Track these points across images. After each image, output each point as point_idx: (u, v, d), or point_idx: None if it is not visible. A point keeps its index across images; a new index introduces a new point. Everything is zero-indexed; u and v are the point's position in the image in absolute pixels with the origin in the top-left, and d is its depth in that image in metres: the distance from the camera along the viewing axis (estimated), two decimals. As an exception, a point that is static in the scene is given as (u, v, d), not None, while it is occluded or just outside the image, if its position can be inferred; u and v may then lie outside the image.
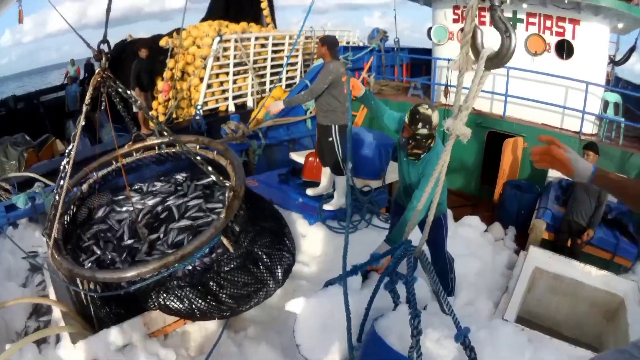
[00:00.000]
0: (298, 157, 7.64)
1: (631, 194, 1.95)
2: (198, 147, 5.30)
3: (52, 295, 5.10)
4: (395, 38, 13.99)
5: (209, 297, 4.16)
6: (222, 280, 4.23)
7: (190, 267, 4.12)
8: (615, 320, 5.46)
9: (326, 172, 6.60)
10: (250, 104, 11.88)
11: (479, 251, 6.34)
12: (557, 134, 9.27)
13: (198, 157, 4.50)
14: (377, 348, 2.73)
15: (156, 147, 5.47)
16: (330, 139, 6.16)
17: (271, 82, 12.32)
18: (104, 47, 4.08)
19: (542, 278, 5.77)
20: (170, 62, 11.09)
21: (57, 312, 4.81)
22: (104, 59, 4.11)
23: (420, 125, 3.88)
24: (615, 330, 5.37)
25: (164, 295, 4.14)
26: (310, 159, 7.02)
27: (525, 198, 8.25)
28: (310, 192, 6.74)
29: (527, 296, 5.51)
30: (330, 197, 6.50)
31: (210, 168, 4.41)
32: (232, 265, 4.31)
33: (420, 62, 14.53)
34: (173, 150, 5.49)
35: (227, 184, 4.39)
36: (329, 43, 6.01)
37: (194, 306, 4.12)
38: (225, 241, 4.23)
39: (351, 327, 3.11)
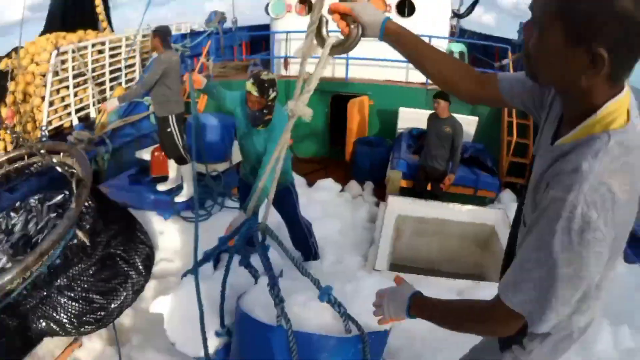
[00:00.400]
0: (144, 154, 7.24)
1: (414, 48, 1.85)
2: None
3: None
4: (232, 18, 13.78)
5: (78, 300, 3.98)
6: (85, 282, 4.04)
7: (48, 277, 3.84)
8: (490, 247, 5.75)
9: (172, 164, 6.40)
10: (92, 114, 11.14)
11: (338, 211, 6.38)
12: (403, 88, 9.56)
13: (42, 152, 4.48)
14: (246, 324, 2.65)
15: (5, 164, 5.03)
16: (169, 129, 6.00)
17: (111, 88, 11.66)
18: None
19: (407, 224, 5.88)
20: (11, 85, 10.12)
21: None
22: None
23: (270, 91, 3.87)
24: (491, 256, 5.64)
25: (39, 312, 3.88)
26: (155, 154, 6.72)
27: (377, 152, 8.42)
28: (160, 187, 6.48)
29: (395, 244, 5.59)
30: (180, 188, 6.31)
31: (55, 160, 4.42)
32: (92, 268, 4.12)
33: (260, 39, 14.47)
34: (22, 163, 5.12)
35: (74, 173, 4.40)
36: (161, 34, 5.86)
37: (70, 314, 3.92)
38: (80, 233, 3.99)
39: (204, 319, 3.01)
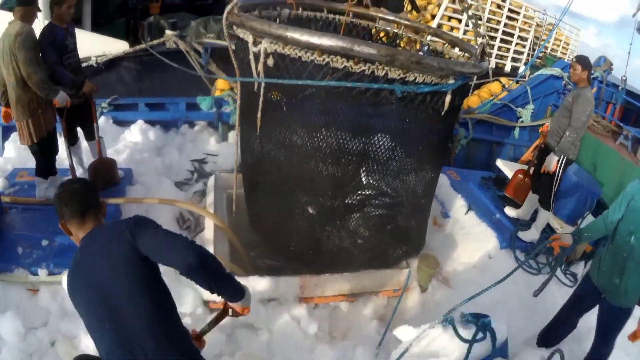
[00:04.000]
0: (505, 167, 6.90)
1: None
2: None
3: (210, 208, 4.79)
4: (623, 76, 12.04)
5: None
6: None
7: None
8: None
9: (532, 198, 5.84)
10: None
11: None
12: None
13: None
14: None
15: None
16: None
17: (499, 48, 12.49)
18: None
19: None
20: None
21: (209, 232, 4.54)
22: None
23: None
24: None
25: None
26: (519, 176, 6.25)
27: None
28: (509, 212, 6.06)
29: None
30: (527, 226, 5.80)
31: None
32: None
33: (633, 108, 12.92)
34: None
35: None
36: (589, 67, 5.18)
37: None
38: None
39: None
